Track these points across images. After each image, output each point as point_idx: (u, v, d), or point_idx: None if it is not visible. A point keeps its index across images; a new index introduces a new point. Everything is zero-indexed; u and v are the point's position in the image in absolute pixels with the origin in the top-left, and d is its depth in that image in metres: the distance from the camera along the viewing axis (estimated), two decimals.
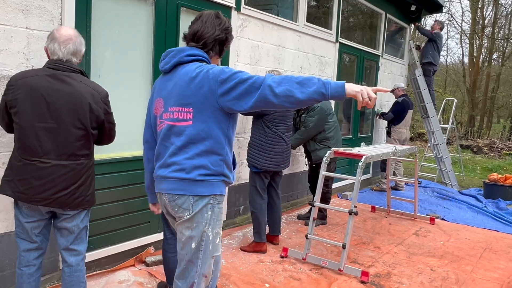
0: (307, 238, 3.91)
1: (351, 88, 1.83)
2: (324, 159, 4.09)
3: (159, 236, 3.82)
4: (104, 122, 2.42)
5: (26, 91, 2.17)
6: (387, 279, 3.65)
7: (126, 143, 3.45)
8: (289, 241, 4.49)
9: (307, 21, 5.46)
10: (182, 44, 3.81)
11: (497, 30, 19.43)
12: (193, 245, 2.03)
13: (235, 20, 4.31)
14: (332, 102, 5.74)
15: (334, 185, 6.51)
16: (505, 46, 19.56)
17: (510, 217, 5.90)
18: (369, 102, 1.84)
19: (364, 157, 3.90)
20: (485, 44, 19.82)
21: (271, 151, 3.94)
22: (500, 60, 20.50)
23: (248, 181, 4.74)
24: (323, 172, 4.06)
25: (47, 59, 2.31)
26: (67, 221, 2.37)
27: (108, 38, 3.23)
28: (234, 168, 2.15)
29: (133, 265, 3.56)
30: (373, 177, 8.09)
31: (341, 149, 4.29)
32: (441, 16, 13.87)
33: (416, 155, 5.49)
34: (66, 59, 2.26)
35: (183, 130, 1.98)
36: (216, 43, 2.12)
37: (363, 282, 3.54)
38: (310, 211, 5.34)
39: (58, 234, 2.42)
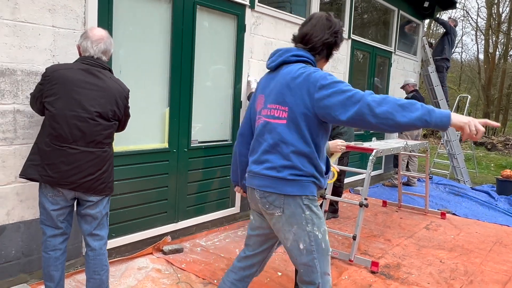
0: None
1: (457, 119, 1.75)
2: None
3: (176, 226, 3.98)
4: (123, 114, 2.60)
5: (61, 82, 2.33)
6: (396, 270, 3.74)
7: (145, 136, 3.61)
8: None
9: None
10: (198, 42, 3.98)
11: None
12: (301, 246, 2.02)
13: (249, 17, 4.43)
14: None
15: (346, 180, 6.58)
16: None
17: None
18: (476, 135, 1.76)
19: (374, 151, 3.99)
20: (501, 40, 19.58)
21: None
22: None
23: None
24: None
25: (76, 56, 2.48)
26: (90, 208, 2.53)
27: (127, 36, 3.38)
28: (327, 173, 2.13)
29: (151, 253, 3.72)
30: (385, 173, 8.14)
31: (352, 143, 4.37)
32: (456, 12, 13.83)
33: (427, 150, 5.54)
34: (97, 57, 2.44)
35: (275, 127, 2.00)
36: (324, 47, 2.09)
37: (373, 272, 3.64)
38: (321, 204, 5.47)
39: (82, 221, 2.58)
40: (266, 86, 2.13)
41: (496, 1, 18.88)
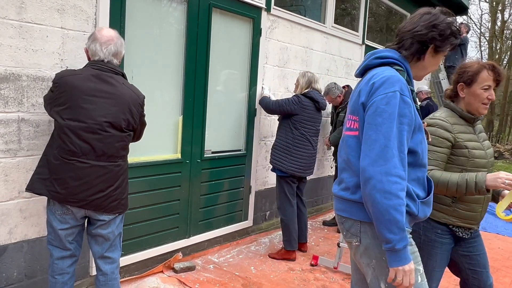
0: (338, 246, 3.78)
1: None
2: None
3: (187, 242, 3.73)
4: (138, 123, 2.37)
5: (69, 90, 2.11)
6: None
7: (157, 146, 3.37)
8: (317, 248, 4.36)
9: (335, 22, 5.34)
10: (213, 46, 3.75)
11: None
12: (382, 286, 1.67)
13: (265, 21, 4.21)
14: None
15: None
16: None
17: None
18: None
19: None
20: (505, 48, 19.46)
21: (298, 155, 3.81)
22: None
23: (274, 186, 4.64)
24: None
25: (85, 60, 2.26)
26: (102, 228, 2.30)
27: (141, 38, 3.15)
28: (426, 197, 1.72)
29: (162, 271, 3.47)
30: None
31: None
32: (465, 19, 13.65)
33: None
34: (108, 60, 2.20)
35: (348, 140, 1.73)
36: (414, 41, 1.68)
37: None
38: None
39: (93, 242, 2.34)
40: (352, 95, 1.85)
41: (500, 8, 18.77)
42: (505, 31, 19.12)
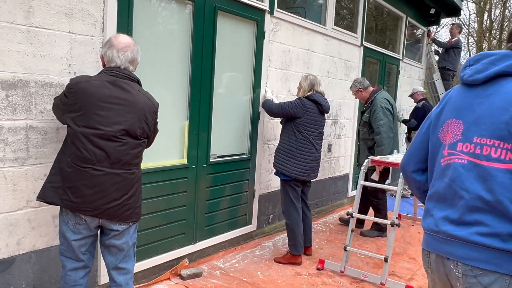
0: (345, 250, 3.77)
1: None
2: (362, 168, 3.96)
3: (194, 247, 3.68)
4: (152, 131, 2.33)
5: (83, 96, 2.05)
6: None
7: (163, 152, 3.32)
8: (321, 252, 4.35)
9: (335, 24, 5.33)
10: (218, 50, 3.71)
11: (505, 33, 19.34)
12: None
13: (268, 23, 4.17)
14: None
15: (352, 193, 6.38)
16: None
17: None
18: None
19: None
20: (493, 48, 19.73)
21: (302, 158, 3.78)
22: None
23: (277, 189, 4.62)
24: (361, 182, 3.93)
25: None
26: (116, 238, 2.24)
27: (147, 42, 3.09)
28: None
29: (169, 279, 3.41)
30: (392, 183, 7.94)
31: (377, 158, 4.15)
32: (456, 20, 13.75)
33: None
34: (124, 67, 2.15)
35: (494, 175, 1.36)
36: None
37: None
38: (376, 228, 5.00)
39: (106, 252, 2.29)
40: (464, 107, 1.49)
41: (488, 8, 19.02)
42: (492, 31, 19.38)
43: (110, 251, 2.28)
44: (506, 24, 19.43)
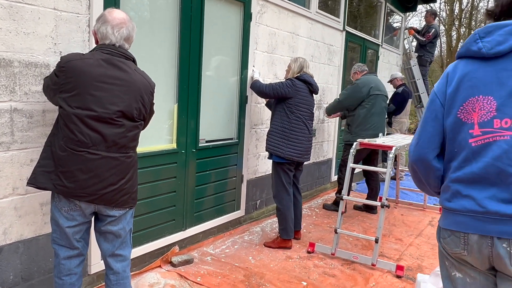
0: (336, 233, 3.79)
1: None
2: (351, 150, 3.97)
3: (183, 234, 3.61)
4: (149, 112, 2.24)
5: (77, 75, 1.93)
6: (420, 272, 3.57)
7: (152, 136, 3.21)
8: (310, 235, 4.36)
9: (318, 8, 5.28)
10: (206, 32, 3.59)
11: (473, 23, 19.86)
12: None
13: (255, 5, 4.09)
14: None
15: (335, 178, 6.41)
16: None
17: None
18: None
19: (394, 148, 3.80)
20: (463, 35, 20.23)
21: (295, 139, 3.74)
22: None
23: (264, 174, 4.59)
24: (350, 165, 3.94)
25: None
26: (112, 224, 2.15)
27: (134, 21, 2.94)
28: None
29: (160, 266, 3.34)
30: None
31: (365, 140, 4.17)
32: (431, 6, 13.92)
33: None
34: (119, 45, 2.04)
35: None
36: None
37: (398, 277, 3.45)
38: (334, 202, 5.29)
39: (102, 239, 2.20)
40: (490, 82, 1.42)
41: None
42: (463, 20, 19.84)
43: (106, 238, 2.19)
44: (474, 13, 19.95)
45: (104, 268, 2.39)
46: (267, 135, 3.85)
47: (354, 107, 4.89)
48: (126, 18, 2.08)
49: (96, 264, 2.84)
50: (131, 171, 2.15)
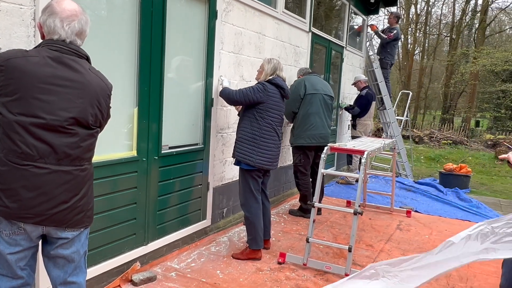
0: (307, 242, 3.62)
1: None
2: (322, 155, 3.82)
3: (145, 249, 3.32)
4: (106, 117, 1.97)
5: (19, 76, 1.63)
6: None
7: (109, 143, 2.91)
8: (279, 244, 4.18)
9: (285, 8, 5.13)
10: (169, 29, 3.32)
11: (428, 28, 20.58)
12: None
13: (220, 3, 3.86)
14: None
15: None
16: (436, 41, 20.73)
17: (477, 209, 6.08)
18: None
19: (365, 153, 3.69)
20: (419, 40, 20.93)
21: (266, 146, 3.56)
22: (429, 55, 21.72)
23: (231, 181, 4.37)
24: (322, 170, 3.79)
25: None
26: (64, 247, 1.87)
27: (90, 16, 2.64)
28: None
29: (119, 286, 3.04)
30: (338, 170, 8.01)
31: (336, 145, 4.04)
32: (396, 10, 14.20)
33: (395, 148, 5.43)
34: (70, 40, 1.75)
35: None
36: None
37: None
38: (300, 208, 5.14)
39: (51, 265, 1.90)
40: None
41: (414, 1, 20.04)
42: (419, 24, 20.51)
43: (56, 264, 1.89)
44: (430, 18, 20.68)
45: None
46: (235, 142, 3.63)
47: (298, 110, 4.83)
48: (78, 10, 1.79)
49: None
50: (86, 185, 1.87)
